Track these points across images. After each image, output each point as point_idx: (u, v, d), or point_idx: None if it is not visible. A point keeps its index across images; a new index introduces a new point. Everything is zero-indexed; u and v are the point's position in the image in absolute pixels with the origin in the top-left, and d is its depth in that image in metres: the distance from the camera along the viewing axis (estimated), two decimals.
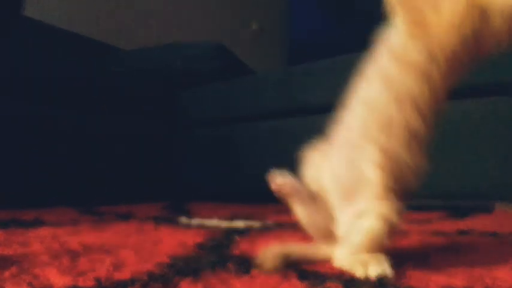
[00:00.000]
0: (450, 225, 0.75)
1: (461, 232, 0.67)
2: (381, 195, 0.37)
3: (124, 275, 0.36)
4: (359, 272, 0.36)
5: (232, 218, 0.89)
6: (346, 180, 0.41)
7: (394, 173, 0.38)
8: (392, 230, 0.37)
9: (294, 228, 0.72)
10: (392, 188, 0.38)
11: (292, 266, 0.39)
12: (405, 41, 0.37)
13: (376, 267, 0.35)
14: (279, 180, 0.44)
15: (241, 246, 0.51)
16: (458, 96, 1.04)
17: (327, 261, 0.40)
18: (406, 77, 0.37)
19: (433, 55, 0.36)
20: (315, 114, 1.23)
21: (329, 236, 0.42)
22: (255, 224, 0.76)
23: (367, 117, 0.39)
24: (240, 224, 0.76)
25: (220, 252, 0.47)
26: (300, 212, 0.44)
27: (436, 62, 0.36)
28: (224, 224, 0.77)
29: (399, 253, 0.45)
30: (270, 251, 0.39)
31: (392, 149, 0.38)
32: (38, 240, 0.53)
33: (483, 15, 0.33)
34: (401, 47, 0.37)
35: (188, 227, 0.71)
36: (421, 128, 0.38)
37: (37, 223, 0.71)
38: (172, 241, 0.54)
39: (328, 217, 0.43)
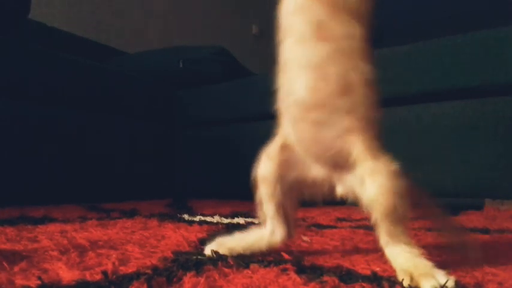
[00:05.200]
0: None
1: None
2: (374, 155, 0.37)
3: (129, 269, 0.37)
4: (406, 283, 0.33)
5: (233, 215, 0.90)
6: (327, 155, 0.40)
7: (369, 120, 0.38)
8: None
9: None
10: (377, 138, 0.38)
11: (291, 260, 0.40)
12: None
13: (430, 282, 0.32)
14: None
15: None
16: (449, 98, 1.06)
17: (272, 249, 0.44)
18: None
19: None
20: None
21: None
22: (255, 220, 0.78)
23: (319, 82, 0.38)
24: (240, 220, 0.78)
25: None
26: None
27: None
28: (225, 220, 0.78)
29: None
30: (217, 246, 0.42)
31: (357, 107, 0.38)
32: (47, 236, 0.54)
33: None
34: None
35: (191, 223, 0.72)
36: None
37: (45, 219, 0.73)
38: (175, 237, 0.55)
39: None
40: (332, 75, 0.37)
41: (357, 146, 0.38)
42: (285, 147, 0.44)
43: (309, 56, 0.38)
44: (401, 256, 0.36)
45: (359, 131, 0.38)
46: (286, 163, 0.44)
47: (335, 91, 0.37)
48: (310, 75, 0.38)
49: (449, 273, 0.33)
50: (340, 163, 0.40)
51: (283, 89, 0.42)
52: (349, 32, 0.37)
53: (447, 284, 0.32)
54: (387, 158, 0.38)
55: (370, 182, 0.37)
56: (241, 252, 0.43)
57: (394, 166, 0.37)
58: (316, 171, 0.43)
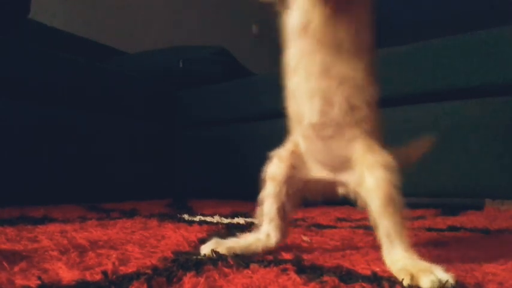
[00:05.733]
0: (443, 222, 0.77)
1: (453, 228, 0.68)
2: (373, 151, 0.41)
3: (129, 269, 0.37)
4: (406, 282, 0.33)
5: (233, 214, 0.90)
6: (332, 159, 0.44)
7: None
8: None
9: (292, 224, 0.73)
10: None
11: (291, 260, 0.40)
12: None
13: (430, 278, 0.33)
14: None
15: None
16: (449, 98, 1.06)
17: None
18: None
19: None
20: None
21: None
22: (255, 220, 0.78)
23: (326, 108, 0.42)
24: (240, 220, 0.78)
25: None
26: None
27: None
28: (225, 220, 0.78)
29: None
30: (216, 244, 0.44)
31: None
32: (47, 236, 0.54)
33: None
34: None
35: (191, 223, 0.72)
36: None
37: (45, 219, 0.73)
38: (175, 237, 0.55)
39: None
40: (337, 102, 0.42)
41: (359, 149, 0.42)
42: (294, 153, 0.47)
43: (317, 89, 0.42)
44: (401, 261, 0.37)
45: (362, 138, 0.42)
46: (294, 166, 0.47)
47: (340, 112, 0.42)
48: (319, 102, 0.42)
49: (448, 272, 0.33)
50: (345, 166, 0.44)
51: (291, 109, 0.46)
52: (352, 67, 0.42)
53: (446, 280, 0.32)
54: (385, 153, 0.41)
55: (369, 174, 0.40)
56: (238, 252, 0.44)
57: (391, 160, 0.40)
58: (321, 173, 0.46)
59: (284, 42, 0.45)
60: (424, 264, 0.35)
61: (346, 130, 0.42)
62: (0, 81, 1.06)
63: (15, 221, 0.69)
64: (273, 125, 1.41)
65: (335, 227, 0.70)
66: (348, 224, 0.76)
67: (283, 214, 0.47)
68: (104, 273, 0.35)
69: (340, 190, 0.46)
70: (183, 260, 0.40)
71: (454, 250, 0.47)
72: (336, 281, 0.33)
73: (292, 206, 0.48)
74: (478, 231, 0.65)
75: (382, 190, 0.39)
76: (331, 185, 0.46)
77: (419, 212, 0.98)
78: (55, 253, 0.43)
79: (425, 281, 0.32)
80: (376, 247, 0.39)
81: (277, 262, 0.39)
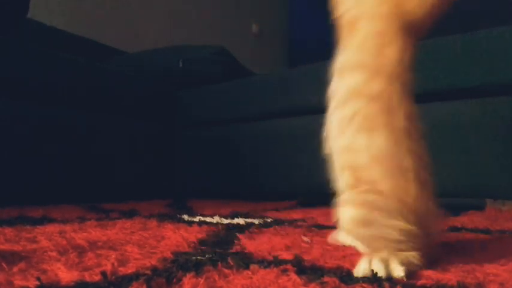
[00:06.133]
0: (443, 222, 0.76)
1: (454, 229, 0.68)
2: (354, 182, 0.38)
3: (129, 270, 0.37)
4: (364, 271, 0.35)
5: (233, 215, 0.90)
6: None
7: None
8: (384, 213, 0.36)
9: (292, 224, 0.73)
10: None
11: (291, 261, 0.40)
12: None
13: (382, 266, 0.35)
14: None
15: (242, 243, 0.52)
16: (449, 98, 1.06)
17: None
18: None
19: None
20: (313, 114, 1.24)
21: None
22: (255, 221, 0.78)
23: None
24: (240, 221, 0.78)
25: (222, 248, 0.48)
26: None
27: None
28: (225, 221, 0.78)
29: None
30: None
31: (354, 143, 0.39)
32: (46, 236, 0.54)
33: None
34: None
35: (190, 224, 0.72)
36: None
37: (44, 220, 0.73)
38: (175, 237, 0.55)
39: None
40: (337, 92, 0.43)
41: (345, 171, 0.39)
42: None
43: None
44: None
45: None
46: None
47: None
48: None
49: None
50: None
51: None
52: (358, 60, 0.42)
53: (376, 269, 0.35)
54: (367, 187, 0.37)
55: (342, 212, 0.39)
56: None
57: (370, 197, 0.36)
58: None
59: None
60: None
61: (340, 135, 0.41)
62: (0, 81, 1.06)
63: (14, 221, 0.69)
64: (273, 125, 1.41)
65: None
66: None
67: None
68: (103, 273, 0.34)
69: None
70: (183, 261, 0.40)
71: (455, 250, 0.47)
72: (337, 281, 0.33)
73: None
74: (479, 231, 0.65)
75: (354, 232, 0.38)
76: None
77: None
78: (54, 254, 0.43)
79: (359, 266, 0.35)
80: None
81: (277, 263, 0.39)
